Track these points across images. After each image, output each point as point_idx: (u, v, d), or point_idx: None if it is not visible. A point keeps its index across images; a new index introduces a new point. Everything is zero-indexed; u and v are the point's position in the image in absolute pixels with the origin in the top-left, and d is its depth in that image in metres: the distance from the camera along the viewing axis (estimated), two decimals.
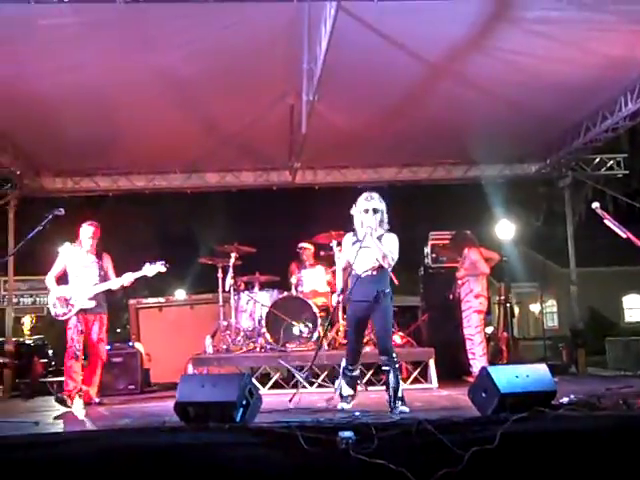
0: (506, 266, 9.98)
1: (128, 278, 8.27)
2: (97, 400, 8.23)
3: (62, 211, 7.21)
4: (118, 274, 8.43)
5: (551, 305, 27.92)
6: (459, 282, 9.86)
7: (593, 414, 5.33)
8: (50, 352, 16.15)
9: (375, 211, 6.67)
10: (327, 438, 4.66)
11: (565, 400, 5.73)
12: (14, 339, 11.82)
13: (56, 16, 7.03)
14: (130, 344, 10.75)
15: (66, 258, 8.33)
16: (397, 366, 6.72)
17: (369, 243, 6.52)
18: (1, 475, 4.56)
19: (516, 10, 7.43)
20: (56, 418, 7.06)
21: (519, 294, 26.08)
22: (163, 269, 8.28)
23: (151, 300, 13.17)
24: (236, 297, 10.30)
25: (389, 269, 6.78)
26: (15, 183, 12.17)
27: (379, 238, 6.62)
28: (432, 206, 22.13)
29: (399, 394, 6.49)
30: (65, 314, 8.14)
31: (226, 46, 8.04)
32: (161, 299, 13.20)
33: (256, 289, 10.28)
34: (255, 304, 10.05)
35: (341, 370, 7.01)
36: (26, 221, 12.93)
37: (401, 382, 6.70)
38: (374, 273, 6.64)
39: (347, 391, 6.91)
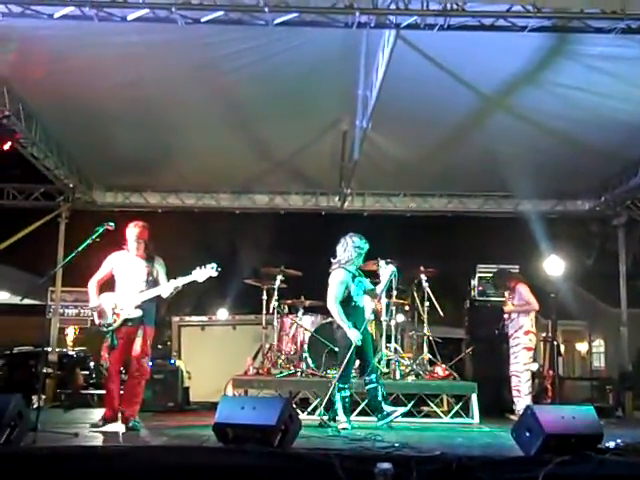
0: (554, 303, 9.77)
1: (177, 283, 7.35)
2: (133, 424, 7.13)
3: (112, 225, 7.13)
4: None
5: (599, 345, 27.32)
6: (506, 317, 9.70)
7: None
8: (92, 364, 16.27)
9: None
10: (365, 469, 4.57)
11: (612, 444, 5.54)
12: (57, 350, 11.93)
13: (119, 34, 7.15)
14: (171, 361, 10.77)
15: (113, 262, 7.50)
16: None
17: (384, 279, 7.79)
18: None
19: (576, 45, 7.38)
20: (95, 431, 7.06)
21: (566, 332, 25.60)
22: (215, 273, 7.41)
23: (194, 318, 13.25)
24: (279, 320, 10.29)
25: None
26: (68, 196, 12.41)
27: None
28: (481, 239, 21.90)
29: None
30: (110, 325, 7.25)
31: (282, 70, 8.11)
32: (204, 318, 13.26)
33: (300, 313, 10.23)
34: (298, 328, 10.01)
35: (337, 393, 7.47)
36: (76, 233, 13.13)
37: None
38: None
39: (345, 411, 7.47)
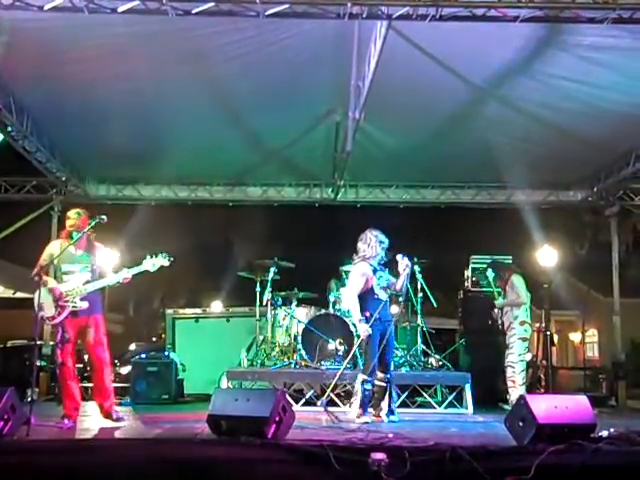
0: (547, 293, 9.80)
1: (124, 274, 7.04)
2: (118, 415, 7.11)
3: (105, 218, 7.04)
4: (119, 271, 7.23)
5: (592, 335, 27.44)
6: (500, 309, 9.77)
7: (633, 449, 5.17)
8: (85, 357, 16.25)
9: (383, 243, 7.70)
10: (359, 459, 4.60)
11: (604, 433, 5.57)
12: (51, 343, 11.89)
13: (109, 25, 7.11)
14: (165, 354, 10.76)
15: (54, 252, 7.07)
16: None
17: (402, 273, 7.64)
18: (32, 477, 4.58)
19: (568, 36, 7.36)
20: (90, 424, 7.07)
21: (559, 322, 25.69)
22: (167, 263, 7.16)
23: (188, 311, 13.24)
24: (273, 312, 10.30)
25: None
26: (60, 189, 12.39)
27: (384, 266, 7.74)
28: (474, 230, 21.94)
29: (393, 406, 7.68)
30: (54, 317, 6.91)
31: (275, 62, 8.09)
32: (198, 310, 13.26)
33: (293, 305, 10.25)
34: (292, 320, 10.03)
35: (359, 385, 7.47)
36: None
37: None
38: (390, 297, 7.78)
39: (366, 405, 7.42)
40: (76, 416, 6.97)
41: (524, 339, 9.45)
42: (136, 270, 7.08)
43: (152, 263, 7.11)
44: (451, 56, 7.88)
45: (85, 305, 6.97)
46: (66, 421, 6.79)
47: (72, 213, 7.16)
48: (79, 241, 7.11)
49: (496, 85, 8.58)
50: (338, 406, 8.43)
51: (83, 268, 7.07)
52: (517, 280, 9.58)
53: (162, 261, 7.14)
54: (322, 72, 8.34)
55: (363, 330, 7.41)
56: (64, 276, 7.06)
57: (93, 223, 7.04)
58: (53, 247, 7.18)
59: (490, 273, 9.78)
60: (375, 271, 7.59)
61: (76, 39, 7.56)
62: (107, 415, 7.07)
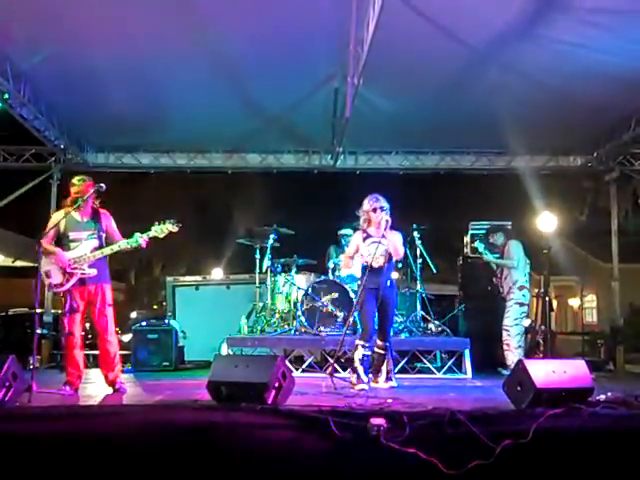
0: (546, 258, 9.81)
1: (136, 240, 7.05)
2: (121, 386, 7.15)
3: (104, 187, 7.02)
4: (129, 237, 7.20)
5: (591, 300, 27.54)
6: (498, 274, 9.82)
7: (631, 412, 5.21)
8: (87, 325, 16.33)
9: (383, 209, 7.53)
10: (358, 424, 4.64)
11: (602, 397, 5.62)
12: (52, 311, 11.95)
13: None
14: (166, 321, 10.81)
15: (59, 220, 7.09)
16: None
17: (395, 240, 7.50)
18: (34, 444, 4.62)
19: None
20: (91, 391, 7.13)
21: (558, 287, 25.77)
22: (175, 229, 7.14)
23: (188, 278, 13.28)
24: (273, 279, 10.32)
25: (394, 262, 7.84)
26: (59, 157, 12.35)
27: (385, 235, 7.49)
28: (473, 196, 21.90)
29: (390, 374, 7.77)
30: (62, 284, 6.97)
31: (273, 27, 8.02)
32: (198, 278, 13.29)
33: (293, 272, 10.27)
34: (291, 287, 10.05)
35: (358, 351, 7.47)
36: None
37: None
38: (384, 265, 7.49)
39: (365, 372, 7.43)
40: (78, 384, 7.02)
41: (521, 304, 9.51)
42: (145, 236, 7.07)
43: (160, 229, 7.10)
44: (450, 19, 7.80)
45: (94, 272, 7.01)
46: (67, 388, 6.84)
47: (76, 180, 7.17)
48: (85, 208, 7.14)
49: (496, 49, 8.49)
50: (338, 372, 8.48)
51: (90, 235, 7.09)
52: (514, 244, 9.66)
53: (170, 227, 7.13)
54: (320, 37, 8.28)
55: (345, 264, 8.10)
56: (71, 244, 7.07)
57: (92, 191, 7.05)
58: (58, 215, 7.19)
59: (479, 244, 9.89)
60: (366, 239, 7.59)
61: (74, 3, 7.49)
62: (111, 384, 7.13)
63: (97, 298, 7.09)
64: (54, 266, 6.98)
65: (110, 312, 7.16)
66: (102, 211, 7.29)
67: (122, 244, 7.08)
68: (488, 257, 9.91)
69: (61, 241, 7.14)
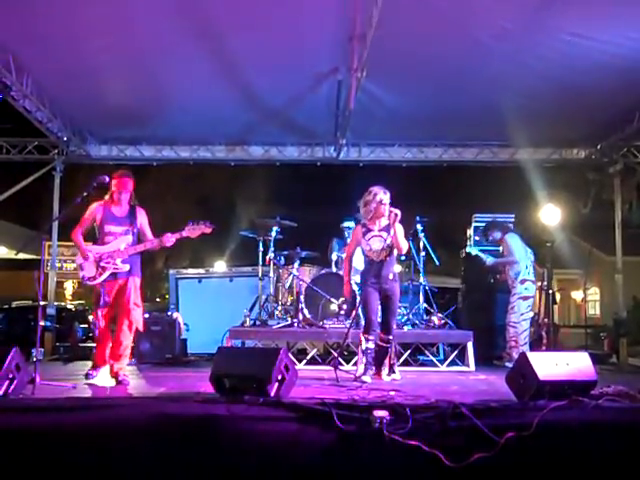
0: (549, 251, 9.80)
1: (168, 239, 7.23)
2: (124, 379, 7.15)
3: (107, 179, 7.13)
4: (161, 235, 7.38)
5: (594, 293, 27.55)
6: (502, 269, 9.87)
7: (634, 405, 5.22)
8: (90, 317, 16.36)
9: (382, 202, 7.44)
10: (361, 417, 4.65)
11: (605, 390, 5.62)
12: (56, 303, 11.97)
13: None
14: (169, 314, 10.81)
15: (96, 214, 7.31)
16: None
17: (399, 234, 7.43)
18: (38, 435, 4.64)
19: None
20: (90, 383, 7.14)
21: (562, 280, 25.75)
22: (208, 230, 7.30)
23: (191, 271, 13.29)
24: (276, 271, 10.32)
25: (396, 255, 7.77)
26: (62, 149, 12.33)
27: (387, 228, 7.48)
28: (477, 188, 21.92)
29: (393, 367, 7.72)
30: (95, 278, 7.16)
31: (275, 20, 7.99)
32: (201, 270, 13.30)
33: (296, 264, 10.26)
34: (294, 279, 10.05)
35: (361, 344, 7.59)
36: (71, 187, 13.11)
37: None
38: (386, 259, 7.46)
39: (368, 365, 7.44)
40: (103, 366, 7.27)
41: (525, 298, 9.51)
42: (177, 236, 7.26)
43: (193, 229, 7.27)
44: (454, 10, 7.75)
45: (127, 268, 7.22)
46: (95, 373, 7.23)
47: (117, 174, 7.35)
48: (122, 203, 7.33)
49: (499, 41, 8.44)
50: (341, 365, 8.49)
51: (126, 231, 7.29)
52: (510, 239, 9.67)
53: (203, 228, 7.28)
54: (324, 30, 8.23)
55: (346, 291, 7.85)
56: (106, 237, 7.27)
57: (95, 184, 7.09)
58: (95, 208, 7.35)
59: (472, 249, 9.95)
60: (366, 232, 7.58)
61: None
62: (115, 376, 7.19)
63: (126, 291, 7.25)
64: (88, 259, 7.19)
65: (134, 307, 7.29)
66: (139, 208, 7.45)
67: (155, 242, 7.29)
68: (486, 260, 9.91)
69: (96, 233, 7.38)
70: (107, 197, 7.36)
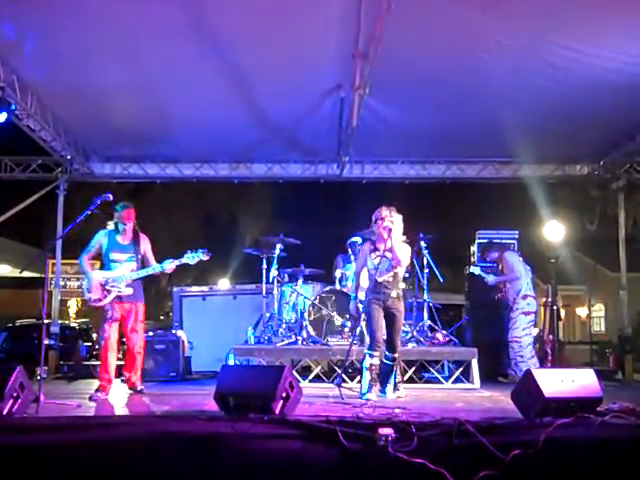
0: (554, 267, 9.79)
1: (169, 265, 7.76)
2: (141, 387, 7.86)
3: (110, 197, 7.19)
4: (162, 261, 7.86)
5: (598, 309, 27.49)
6: (502, 287, 9.87)
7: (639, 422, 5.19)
8: (94, 336, 16.36)
9: (383, 219, 7.49)
10: (366, 434, 4.63)
11: (611, 407, 5.59)
12: (60, 322, 11.96)
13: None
14: (173, 332, 10.79)
15: (101, 240, 7.81)
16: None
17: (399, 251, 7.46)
18: (42, 454, 4.62)
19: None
20: (98, 402, 7.13)
21: (566, 297, 25.71)
22: (205, 257, 7.76)
23: (195, 289, 13.28)
24: (280, 289, 10.31)
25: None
26: (66, 167, 12.37)
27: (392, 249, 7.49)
28: (480, 205, 21.91)
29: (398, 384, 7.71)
30: (100, 300, 7.63)
31: (279, 38, 8.03)
32: (205, 288, 13.29)
33: (300, 281, 10.25)
34: (298, 297, 10.04)
35: (365, 362, 7.48)
36: (75, 205, 13.16)
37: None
38: (390, 279, 7.54)
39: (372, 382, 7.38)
40: (109, 390, 7.57)
41: (527, 313, 9.50)
42: (177, 262, 7.77)
43: (192, 256, 7.75)
44: (455, 28, 7.78)
45: (130, 291, 7.70)
46: (100, 395, 7.38)
47: (118, 206, 7.84)
48: (126, 232, 7.84)
49: (503, 57, 8.48)
50: (346, 382, 8.46)
51: (130, 258, 7.78)
52: (509, 256, 9.69)
53: (202, 256, 7.76)
54: (327, 48, 8.27)
55: (352, 306, 7.89)
56: (112, 264, 7.76)
57: (98, 202, 7.14)
58: (101, 236, 7.84)
59: (474, 269, 9.98)
60: (372, 251, 7.64)
61: (81, 16, 7.52)
62: (132, 386, 7.84)
63: (131, 315, 7.79)
64: (94, 282, 7.65)
65: (141, 328, 7.92)
66: (142, 235, 7.95)
67: (156, 268, 7.79)
68: (489, 279, 9.94)
69: (102, 260, 7.91)
70: (111, 226, 7.92)
